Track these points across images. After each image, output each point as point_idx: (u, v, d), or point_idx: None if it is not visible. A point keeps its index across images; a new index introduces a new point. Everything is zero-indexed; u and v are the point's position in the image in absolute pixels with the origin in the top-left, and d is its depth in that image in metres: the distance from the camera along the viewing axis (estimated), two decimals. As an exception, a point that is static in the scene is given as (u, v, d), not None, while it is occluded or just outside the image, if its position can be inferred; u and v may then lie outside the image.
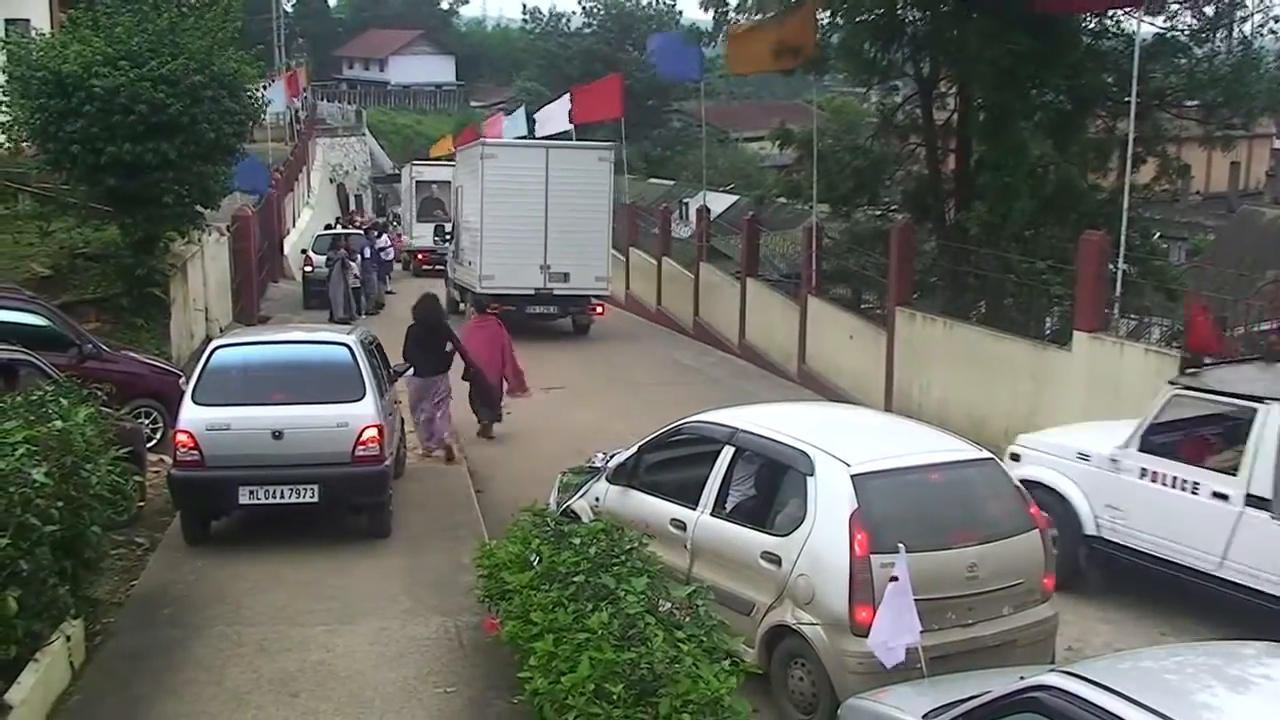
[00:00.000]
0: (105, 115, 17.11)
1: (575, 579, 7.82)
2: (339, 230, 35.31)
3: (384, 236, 36.13)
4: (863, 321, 20.98)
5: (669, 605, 7.52)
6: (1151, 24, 18.81)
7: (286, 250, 35.84)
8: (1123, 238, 16.03)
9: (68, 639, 8.77)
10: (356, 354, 12.37)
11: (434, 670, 9.16)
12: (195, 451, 11.65)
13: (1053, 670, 6.01)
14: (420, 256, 39.84)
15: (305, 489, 11.74)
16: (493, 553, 9.18)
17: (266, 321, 26.07)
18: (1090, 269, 15.58)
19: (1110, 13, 19.26)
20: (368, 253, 30.85)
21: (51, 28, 23.42)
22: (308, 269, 30.09)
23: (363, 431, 11.82)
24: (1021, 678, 6.09)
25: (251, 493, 11.71)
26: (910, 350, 18.78)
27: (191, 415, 11.78)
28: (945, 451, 9.55)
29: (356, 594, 10.72)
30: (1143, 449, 11.17)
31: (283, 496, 11.76)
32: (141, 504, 12.52)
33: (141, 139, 17.27)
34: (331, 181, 60.21)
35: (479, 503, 13.75)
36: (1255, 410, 10.39)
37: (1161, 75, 19.89)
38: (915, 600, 7.85)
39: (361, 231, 35.34)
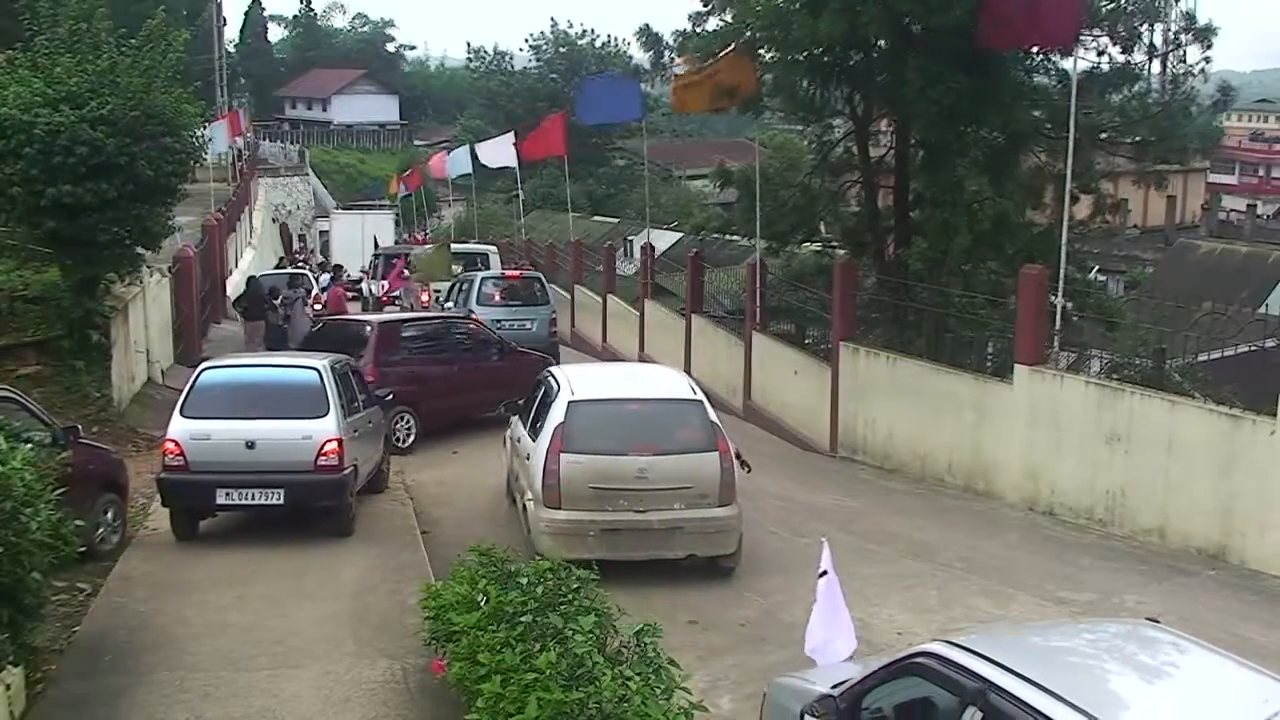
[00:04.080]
0: (46, 157, 16.91)
1: (523, 619, 7.80)
2: (287, 270, 35.31)
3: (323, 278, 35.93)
4: (807, 357, 21.11)
5: (617, 643, 7.53)
6: (1084, 60, 19.14)
7: (229, 291, 35.58)
8: (1061, 272, 16.27)
9: (7, 687, 8.63)
10: (324, 377, 13.88)
11: (381, 714, 9.09)
12: (180, 457, 13.28)
13: (935, 640, 6.76)
14: None
15: (273, 492, 13.26)
16: (439, 593, 9.13)
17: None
18: (1030, 303, 15.79)
19: (1042, 51, 19.52)
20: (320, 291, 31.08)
21: None
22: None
23: (324, 444, 13.36)
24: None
25: (227, 494, 13.26)
26: (854, 384, 18.92)
27: (178, 426, 13.46)
28: (658, 392, 13.60)
29: (302, 638, 10.62)
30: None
31: (254, 499, 13.34)
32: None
33: (82, 180, 17.09)
34: (274, 221, 59.91)
35: (425, 543, 13.68)
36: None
37: (1095, 112, 20.19)
38: (594, 489, 12.25)
39: (307, 273, 35.25)
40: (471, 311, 24.86)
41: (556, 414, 12.64)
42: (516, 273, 29.27)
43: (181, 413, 13.54)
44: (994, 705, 5.81)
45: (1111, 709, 5.61)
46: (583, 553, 11.28)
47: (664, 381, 14.33)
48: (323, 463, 13.35)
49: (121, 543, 13.29)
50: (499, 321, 24.49)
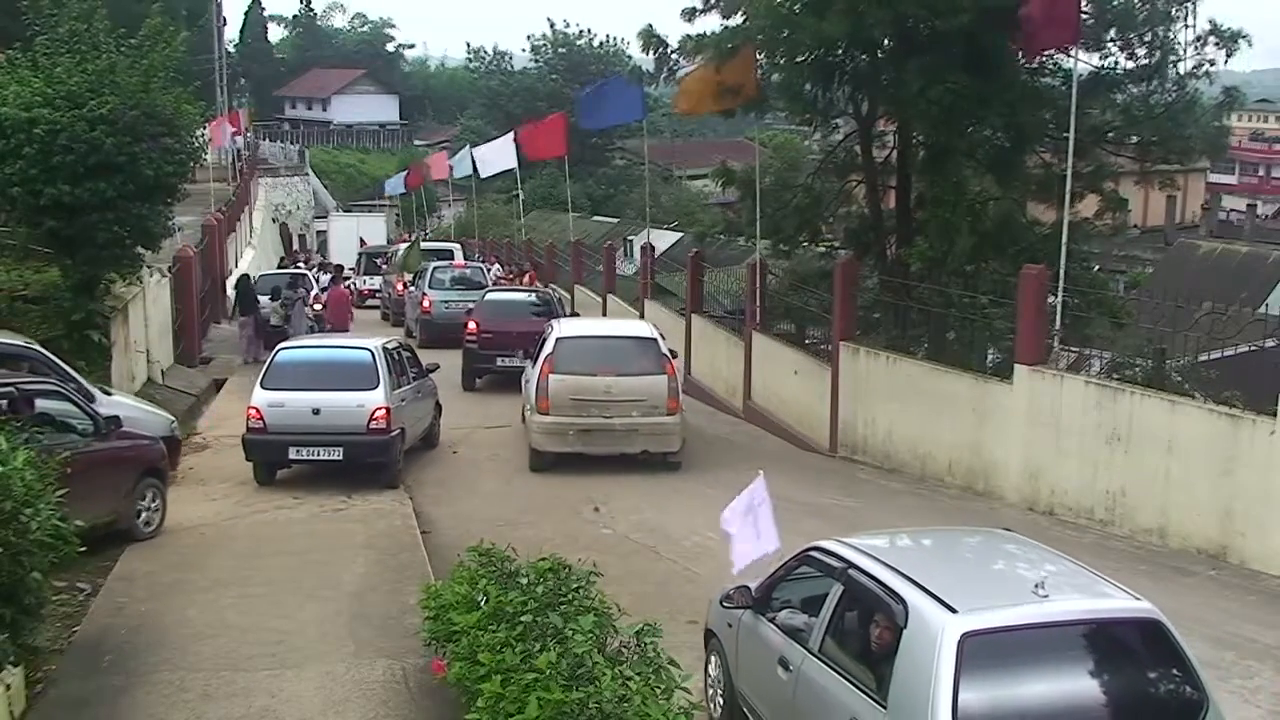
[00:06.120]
0: (45, 157, 16.90)
1: (523, 618, 7.79)
2: (289, 270, 35.45)
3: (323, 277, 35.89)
4: (807, 357, 21.08)
5: (617, 643, 7.52)
6: (1087, 63, 19.10)
7: (229, 291, 35.55)
8: (1061, 271, 16.24)
9: (7, 687, 8.62)
10: (375, 356, 16.75)
11: (381, 714, 9.09)
12: (260, 421, 16.26)
13: (827, 539, 8.30)
14: None
15: (334, 450, 16.15)
16: (439, 593, 9.12)
17: (209, 363, 25.84)
18: (1030, 303, 15.78)
19: (1048, 52, 19.45)
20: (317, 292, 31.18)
21: None
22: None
23: (374, 411, 16.16)
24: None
25: (297, 451, 16.27)
26: (855, 385, 18.90)
27: (259, 395, 16.43)
28: (624, 331, 19.25)
29: (302, 638, 10.62)
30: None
31: (318, 455, 16.26)
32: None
33: (81, 180, 17.08)
34: (274, 221, 59.86)
35: (425, 543, 13.67)
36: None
37: (1098, 113, 20.14)
38: (574, 400, 16.96)
39: (308, 273, 35.26)
40: (424, 294, 30.81)
41: (548, 346, 17.66)
42: (462, 263, 36.32)
43: (261, 385, 16.53)
44: (851, 578, 7.62)
45: (928, 575, 7.20)
46: (564, 447, 17.15)
47: (630, 326, 20.59)
48: (373, 426, 16.14)
49: (161, 525, 14.03)
50: (448, 302, 29.99)
